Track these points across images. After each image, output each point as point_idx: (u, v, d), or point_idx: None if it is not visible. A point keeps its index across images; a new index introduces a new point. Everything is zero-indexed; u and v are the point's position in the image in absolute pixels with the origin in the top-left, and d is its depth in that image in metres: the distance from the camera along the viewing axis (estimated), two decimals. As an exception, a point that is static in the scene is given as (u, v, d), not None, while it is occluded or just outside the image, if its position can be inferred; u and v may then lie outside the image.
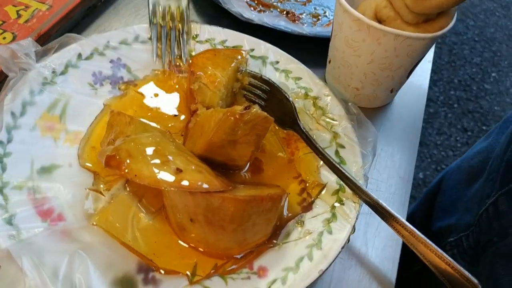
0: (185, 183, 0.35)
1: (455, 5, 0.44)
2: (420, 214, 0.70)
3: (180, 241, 0.38)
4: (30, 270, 0.31)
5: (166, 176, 0.35)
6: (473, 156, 0.62)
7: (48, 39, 0.53)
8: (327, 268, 0.37)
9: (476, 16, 2.38)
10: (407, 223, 0.39)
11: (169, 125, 0.46)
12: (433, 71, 2.10)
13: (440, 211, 0.63)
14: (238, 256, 0.38)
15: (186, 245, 0.38)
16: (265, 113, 0.40)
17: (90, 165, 0.42)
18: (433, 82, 2.04)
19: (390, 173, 0.48)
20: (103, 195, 0.40)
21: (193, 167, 0.36)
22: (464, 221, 0.55)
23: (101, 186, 0.41)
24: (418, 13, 0.44)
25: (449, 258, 0.37)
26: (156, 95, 0.48)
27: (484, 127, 1.89)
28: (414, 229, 0.38)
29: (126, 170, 0.35)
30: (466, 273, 0.36)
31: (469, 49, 2.22)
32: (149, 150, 0.37)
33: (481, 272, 0.50)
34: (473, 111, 1.95)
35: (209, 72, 0.44)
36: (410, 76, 0.52)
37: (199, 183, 0.35)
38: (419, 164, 1.72)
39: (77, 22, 0.57)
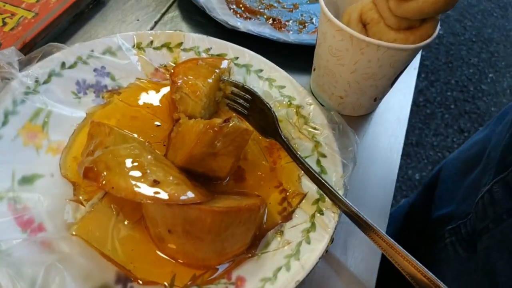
0: (162, 195, 0.35)
1: (437, 13, 0.44)
2: (419, 204, 0.71)
3: (159, 252, 0.39)
4: (7, 282, 0.31)
5: (143, 189, 0.35)
6: (471, 146, 0.63)
7: (34, 46, 0.53)
8: (304, 278, 0.37)
9: (474, 16, 2.38)
10: (385, 235, 0.39)
11: (152, 135, 0.46)
12: (430, 72, 2.10)
13: (438, 200, 0.64)
14: (217, 267, 0.38)
15: (165, 256, 0.38)
16: (244, 126, 0.40)
17: (71, 175, 0.42)
18: (430, 82, 2.04)
19: (371, 182, 0.49)
20: (83, 205, 0.40)
21: (170, 178, 0.37)
22: (462, 209, 0.56)
23: (81, 197, 0.41)
24: (401, 17, 0.44)
25: (425, 269, 0.37)
26: (139, 104, 0.48)
27: (480, 128, 1.89)
28: (392, 240, 0.38)
29: (104, 182, 0.35)
30: (441, 284, 0.36)
31: (466, 49, 2.22)
32: (127, 162, 0.37)
33: (478, 259, 0.51)
34: (470, 112, 1.95)
35: (191, 82, 0.45)
36: (395, 84, 0.52)
37: (176, 195, 0.35)
38: (415, 165, 1.72)
39: (63, 29, 0.57)
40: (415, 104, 1.91)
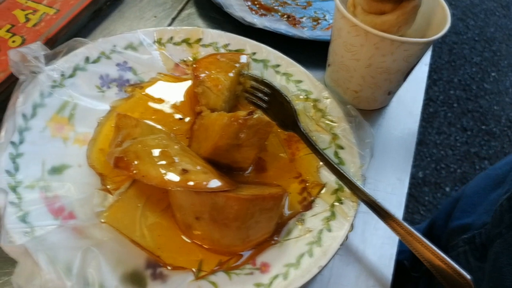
0: (191, 183, 0.36)
1: None
2: (441, 217, 0.71)
3: (186, 239, 0.40)
4: (46, 265, 0.33)
5: (173, 177, 0.36)
6: (502, 165, 0.64)
7: (55, 42, 0.55)
8: (326, 264, 0.38)
9: (476, 15, 2.39)
10: (404, 222, 0.40)
11: (174, 128, 0.47)
12: (433, 71, 2.11)
13: (460, 212, 0.64)
14: (242, 253, 0.40)
15: (192, 242, 0.40)
16: (268, 118, 0.41)
17: (98, 166, 0.43)
18: (433, 81, 2.05)
19: (387, 174, 0.50)
20: (111, 194, 0.41)
21: (198, 168, 0.38)
22: (481, 220, 0.56)
23: (109, 186, 0.42)
24: (371, 1, 0.45)
25: (443, 255, 0.38)
26: (161, 98, 0.50)
27: (483, 127, 1.91)
28: (410, 227, 0.40)
29: (135, 171, 0.37)
30: (459, 269, 0.38)
31: (469, 48, 2.23)
32: (156, 152, 0.39)
33: (486, 267, 0.52)
34: (473, 111, 1.97)
35: (213, 76, 0.46)
36: (408, 79, 0.53)
37: (204, 183, 0.36)
38: (418, 163, 1.74)
39: (83, 25, 0.59)
40: (418, 102, 1.92)
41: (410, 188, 1.74)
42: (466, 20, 2.36)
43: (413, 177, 1.69)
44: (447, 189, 1.67)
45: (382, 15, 0.46)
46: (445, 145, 1.83)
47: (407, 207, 1.58)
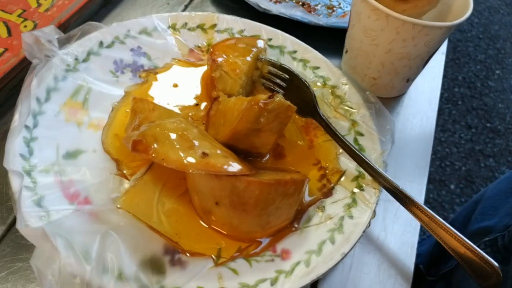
0: (211, 166, 0.35)
1: None
2: (460, 220, 0.70)
3: (204, 224, 0.39)
4: (64, 249, 0.32)
5: (193, 160, 0.35)
6: None
7: (67, 27, 0.54)
8: (349, 251, 0.37)
9: (481, 13, 2.38)
10: (427, 208, 0.39)
11: (190, 114, 0.46)
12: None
13: (480, 215, 0.63)
14: (261, 240, 0.39)
15: (211, 228, 0.39)
16: (288, 102, 0.40)
17: (113, 152, 0.42)
18: (437, 79, 2.05)
19: (406, 161, 0.49)
20: (128, 179, 0.41)
21: (218, 152, 0.37)
22: (503, 223, 0.55)
23: (125, 171, 0.41)
24: None
25: (469, 242, 0.37)
26: (176, 83, 0.49)
27: (488, 124, 1.90)
28: (434, 213, 0.39)
29: (153, 154, 0.36)
30: (486, 256, 0.37)
31: (473, 46, 2.22)
32: (175, 135, 0.37)
33: (510, 268, 0.51)
34: (477, 108, 1.96)
35: (231, 60, 0.45)
36: (425, 68, 0.52)
37: (225, 167, 0.35)
38: (423, 161, 1.73)
39: (95, 12, 0.58)
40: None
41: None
42: (470, 17, 2.34)
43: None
44: (452, 186, 1.66)
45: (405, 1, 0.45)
46: (450, 142, 1.82)
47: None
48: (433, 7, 0.48)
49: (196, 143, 0.37)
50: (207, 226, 0.39)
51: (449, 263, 0.62)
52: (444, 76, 2.06)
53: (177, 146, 0.36)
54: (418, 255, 0.70)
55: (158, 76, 0.49)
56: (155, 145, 0.36)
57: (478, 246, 0.56)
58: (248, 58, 0.46)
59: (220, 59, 0.45)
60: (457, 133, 1.85)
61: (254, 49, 0.47)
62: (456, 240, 0.38)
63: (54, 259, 0.31)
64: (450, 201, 1.61)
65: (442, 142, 1.82)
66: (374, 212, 0.40)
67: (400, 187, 0.40)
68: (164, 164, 0.36)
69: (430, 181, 1.67)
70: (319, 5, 0.61)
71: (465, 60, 2.16)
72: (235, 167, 0.36)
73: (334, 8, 0.61)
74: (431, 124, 0.53)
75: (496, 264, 0.36)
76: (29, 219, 0.34)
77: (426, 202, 1.59)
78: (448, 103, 1.96)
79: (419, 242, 0.68)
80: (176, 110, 0.46)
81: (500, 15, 2.39)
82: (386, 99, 0.54)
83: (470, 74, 2.10)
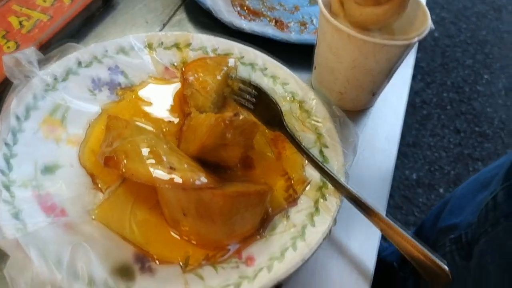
0: (178, 180, 0.38)
1: None
2: (431, 219, 0.72)
3: (174, 234, 0.41)
4: (37, 258, 0.34)
5: (161, 174, 0.38)
6: (491, 169, 0.65)
7: (49, 47, 0.56)
8: (310, 257, 0.40)
9: (468, 19, 2.42)
10: (384, 216, 0.42)
11: (164, 129, 0.49)
12: (426, 74, 2.13)
13: (448, 214, 0.66)
14: (229, 248, 0.41)
15: (180, 238, 0.41)
16: (253, 119, 0.43)
17: (89, 167, 0.45)
18: (426, 84, 2.08)
19: (371, 172, 0.52)
20: (102, 192, 0.43)
21: (185, 166, 0.40)
22: (467, 221, 0.57)
23: (100, 185, 0.44)
24: None
25: (421, 247, 0.40)
26: (151, 100, 0.51)
27: (476, 128, 1.93)
28: (390, 221, 0.41)
29: (124, 170, 0.38)
30: (437, 260, 0.39)
31: (461, 51, 2.26)
32: (145, 151, 0.40)
33: (471, 266, 0.53)
34: (466, 113, 1.99)
35: (201, 79, 0.48)
36: (392, 80, 0.55)
37: (191, 180, 0.38)
38: (412, 165, 1.75)
39: (76, 31, 0.60)
40: (411, 105, 1.95)
41: (404, 190, 1.76)
42: (458, 23, 2.38)
43: (406, 178, 1.71)
44: (441, 190, 1.69)
45: (378, 6, 0.47)
46: (439, 147, 1.85)
47: (400, 208, 1.60)
48: (402, 12, 0.49)
49: (165, 158, 0.40)
50: (177, 236, 0.41)
51: None
52: (433, 81, 2.10)
53: (147, 162, 0.39)
54: (392, 253, 0.72)
55: (134, 93, 0.51)
56: (125, 161, 0.39)
57: (444, 244, 0.59)
58: (219, 77, 0.49)
59: (191, 78, 0.48)
60: (446, 138, 1.88)
61: (225, 68, 0.50)
62: (410, 245, 0.40)
63: (28, 268, 0.33)
64: (438, 205, 1.63)
65: (431, 147, 1.85)
66: (335, 220, 0.43)
67: (361, 196, 0.43)
68: (134, 178, 0.38)
69: (419, 185, 1.70)
70: (292, 22, 0.64)
71: (454, 65, 2.20)
72: (200, 180, 0.38)
73: (307, 25, 0.64)
74: (396, 135, 0.56)
75: (445, 266, 0.39)
76: (6, 231, 0.36)
77: (416, 206, 1.61)
78: (437, 108, 1.99)
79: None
80: (151, 126, 0.49)
81: (488, 20, 2.43)
82: (354, 111, 0.57)
83: (458, 79, 2.13)
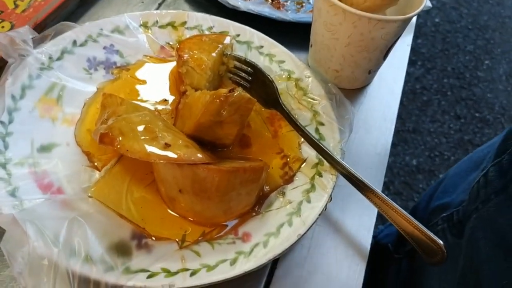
0: (172, 155, 0.38)
1: None
2: (425, 199, 0.72)
3: (170, 211, 0.42)
4: (34, 233, 0.34)
5: (156, 150, 0.38)
6: (484, 148, 0.65)
7: (44, 27, 0.56)
8: (305, 233, 0.40)
9: (470, 4, 2.40)
10: (380, 192, 0.42)
11: (160, 108, 0.49)
12: (427, 59, 2.12)
13: (441, 193, 0.66)
14: (226, 224, 0.42)
15: (176, 215, 0.41)
16: (248, 95, 0.43)
17: (85, 145, 0.45)
18: (426, 70, 2.07)
19: (367, 149, 0.52)
20: (99, 171, 0.43)
21: (180, 142, 0.40)
22: (459, 199, 0.57)
23: (96, 163, 0.44)
24: None
25: (417, 222, 0.40)
26: (147, 79, 0.51)
27: (477, 114, 1.92)
28: (385, 197, 0.42)
29: (119, 146, 0.38)
30: (432, 235, 0.39)
31: (462, 37, 2.24)
32: (140, 128, 0.40)
33: (462, 243, 0.53)
34: (466, 99, 1.98)
35: (196, 56, 0.47)
36: (390, 59, 0.55)
37: (186, 156, 0.38)
38: (412, 151, 1.75)
39: (72, 11, 0.60)
40: (411, 91, 1.94)
41: (404, 176, 1.75)
42: (460, 8, 2.36)
43: (406, 165, 1.71)
44: (441, 176, 1.69)
45: None
46: (439, 133, 1.84)
47: (401, 194, 1.61)
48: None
49: (160, 134, 0.40)
50: (173, 213, 0.42)
51: None
52: (434, 67, 2.09)
53: (141, 138, 0.39)
54: (387, 235, 0.73)
55: (129, 72, 0.51)
56: (120, 138, 0.39)
57: (436, 222, 0.59)
58: (214, 54, 0.48)
59: (186, 55, 0.48)
60: (446, 124, 1.87)
61: (220, 45, 0.50)
62: (405, 220, 0.41)
63: (24, 242, 0.33)
64: (438, 190, 1.63)
65: (431, 133, 1.84)
66: (331, 196, 0.43)
67: (356, 173, 0.43)
68: (129, 154, 0.38)
69: (419, 171, 1.70)
70: (289, 1, 0.64)
71: (454, 51, 2.18)
72: (195, 156, 0.38)
73: (303, 4, 0.64)
74: (393, 113, 0.55)
75: (441, 242, 0.39)
76: (3, 207, 0.36)
77: (416, 192, 1.62)
78: (438, 94, 1.98)
79: (389, 224, 0.70)
80: (147, 105, 0.49)
81: (489, 5, 2.41)
82: (351, 90, 0.57)
83: (459, 64, 2.12)
